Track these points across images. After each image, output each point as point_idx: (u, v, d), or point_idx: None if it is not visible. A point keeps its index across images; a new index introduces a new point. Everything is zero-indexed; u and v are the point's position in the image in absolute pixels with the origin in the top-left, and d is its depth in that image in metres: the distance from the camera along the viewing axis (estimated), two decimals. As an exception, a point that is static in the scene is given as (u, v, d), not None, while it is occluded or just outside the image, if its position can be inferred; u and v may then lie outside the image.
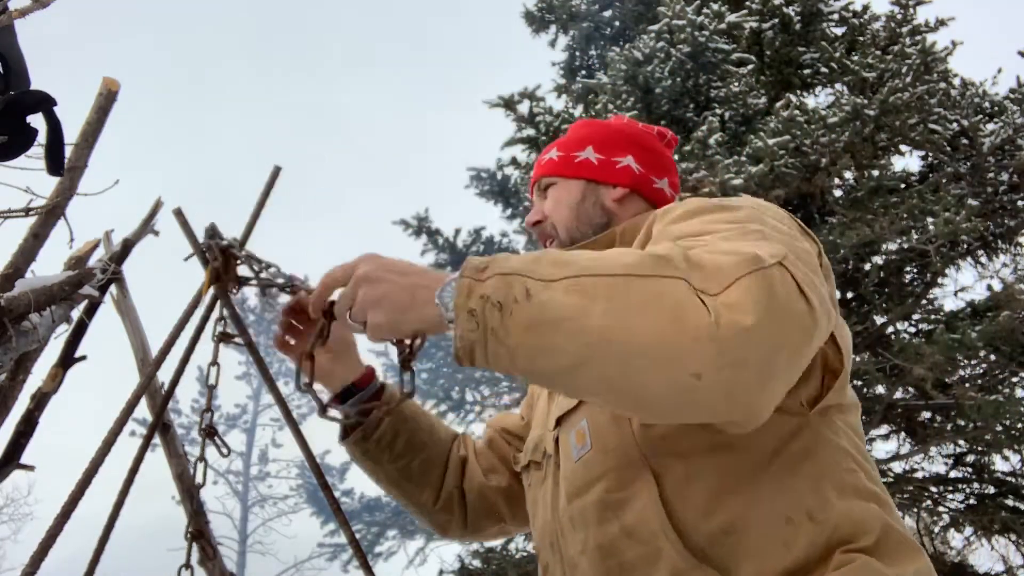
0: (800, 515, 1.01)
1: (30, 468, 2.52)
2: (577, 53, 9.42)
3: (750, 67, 6.70)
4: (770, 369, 0.87)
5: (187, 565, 1.41)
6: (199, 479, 1.47)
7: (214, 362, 1.52)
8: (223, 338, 1.52)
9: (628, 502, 1.09)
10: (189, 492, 2.88)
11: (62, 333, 2.56)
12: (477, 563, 7.68)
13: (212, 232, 1.50)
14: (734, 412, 0.90)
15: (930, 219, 5.73)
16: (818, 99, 7.21)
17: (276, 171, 1.61)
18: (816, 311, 0.90)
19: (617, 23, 9.01)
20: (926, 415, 6.55)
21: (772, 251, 0.91)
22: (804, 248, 1.04)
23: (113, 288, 3.12)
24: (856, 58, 6.50)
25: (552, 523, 1.24)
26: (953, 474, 6.82)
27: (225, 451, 1.51)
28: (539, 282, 0.88)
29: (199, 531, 1.47)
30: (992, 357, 6.04)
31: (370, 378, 1.50)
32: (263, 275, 1.42)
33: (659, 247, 0.93)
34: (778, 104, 6.22)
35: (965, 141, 6.33)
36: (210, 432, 1.49)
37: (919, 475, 6.95)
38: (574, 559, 1.17)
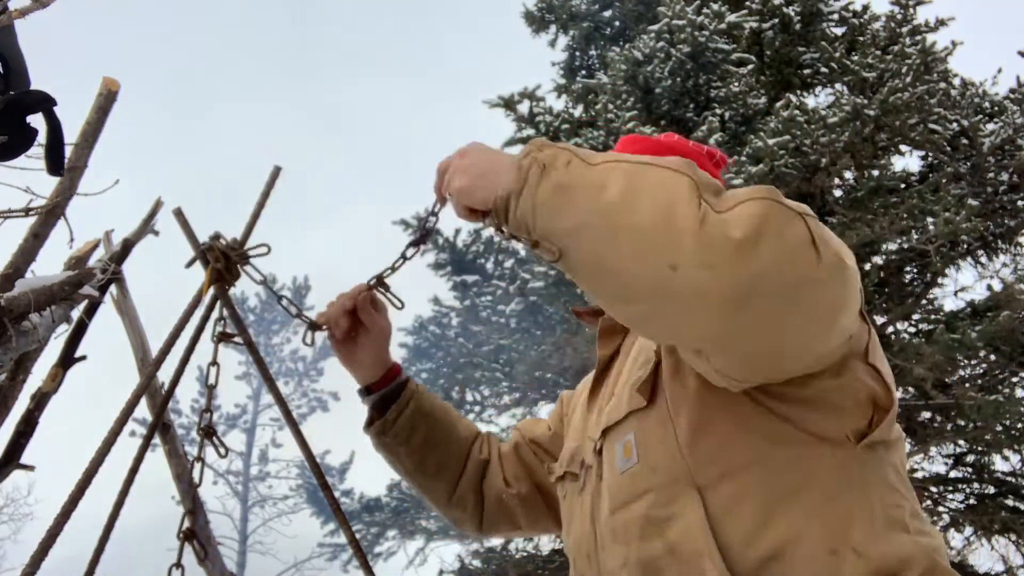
0: (845, 548, 1.01)
1: (30, 468, 2.52)
2: (577, 53, 9.42)
3: (750, 67, 6.70)
4: (748, 289, 0.89)
5: (178, 564, 1.41)
6: (196, 479, 1.47)
7: (214, 362, 1.52)
8: (223, 338, 1.52)
9: (673, 520, 1.09)
10: (188, 492, 2.88)
11: (62, 333, 2.56)
12: (477, 563, 7.68)
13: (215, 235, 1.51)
14: (694, 313, 0.93)
15: (930, 219, 5.73)
16: (818, 99, 7.22)
17: (276, 171, 1.61)
18: (825, 265, 0.91)
19: (617, 23, 9.01)
20: (926, 415, 6.55)
21: (801, 207, 0.95)
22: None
23: (113, 288, 3.12)
24: (856, 58, 6.50)
25: (590, 534, 1.24)
26: (953, 474, 6.82)
27: (223, 452, 1.51)
28: (583, 161, 1.02)
29: (191, 531, 1.47)
30: (992, 357, 6.04)
31: (393, 376, 1.56)
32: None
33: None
34: (778, 104, 6.22)
35: (965, 141, 6.33)
36: (209, 432, 1.49)
37: (919, 475, 6.95)
38: (613, 572, 1.17)
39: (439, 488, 1.57)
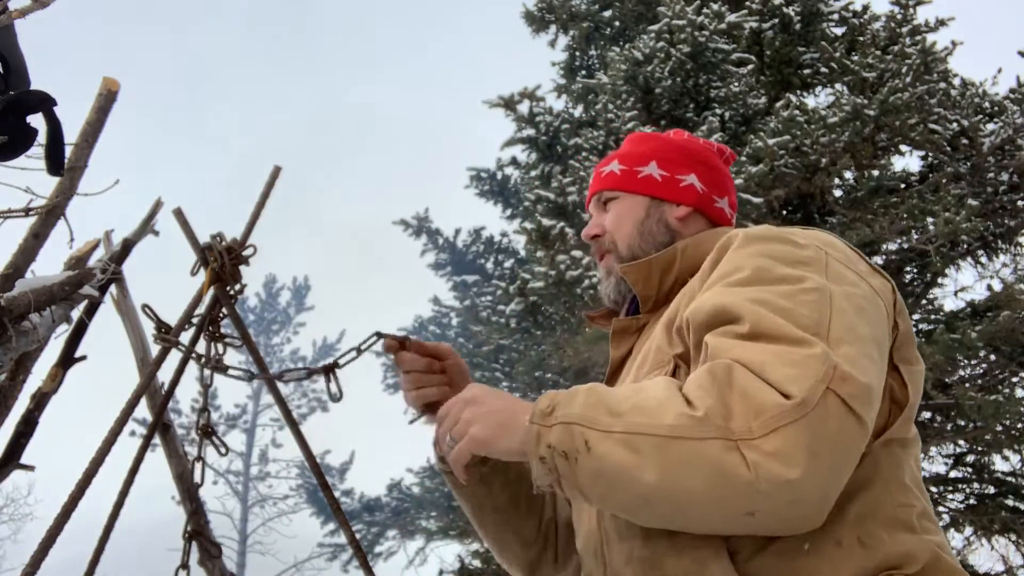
0: (851, 539, 1.03)
1: (30, 468, 2.52)
2: (577, 53, 9.42)
3: (750, 67, 6.70)
4: (825, 493, 0.95)
5: (184, 565, 1.41)
6: (197, 478, 1.47)
7: (207, 360, 1.52)
8: (214, 338, 1.52)
9: None
10: (189, 492, 2.88)
11: (62, 333, 2.56)
12: (477, 563, 7.68)
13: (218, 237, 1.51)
14: (795, 529, 1.00)
15: (930, 219, 5.73)
16: (818, 99, 7.21)
17: (276, 171, 1.61)
18: (866, 422, 0.95)
19: (617, 23, 9.01)
20: (926, 415, 6.55)
21: (820, 370, 0.94)
22: (862, 295, 1.08)
23: (113, 288, 3.12)
24: (856, 58, 6.50)
25: (597, 532, 1.24)
26: (953, 474, 6.82)
27: (224, 451, 1.51)
28: (596, 432, 0.98)
29: (197, 531, 1.47)
30: (992, 357, 6.04)
31: None
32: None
33: (697, 392, 0.97)
34: (778, 104, 6.22)
35: (965, 141, 6.33)
36: (207, 431, 1.49)
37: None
38: (618, 570, 1.17)
39: (529, 523, 1.48)
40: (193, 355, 1.47)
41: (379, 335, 1.37)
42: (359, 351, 1.40)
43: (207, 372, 1.51)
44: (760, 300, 1.04)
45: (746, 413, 0.93)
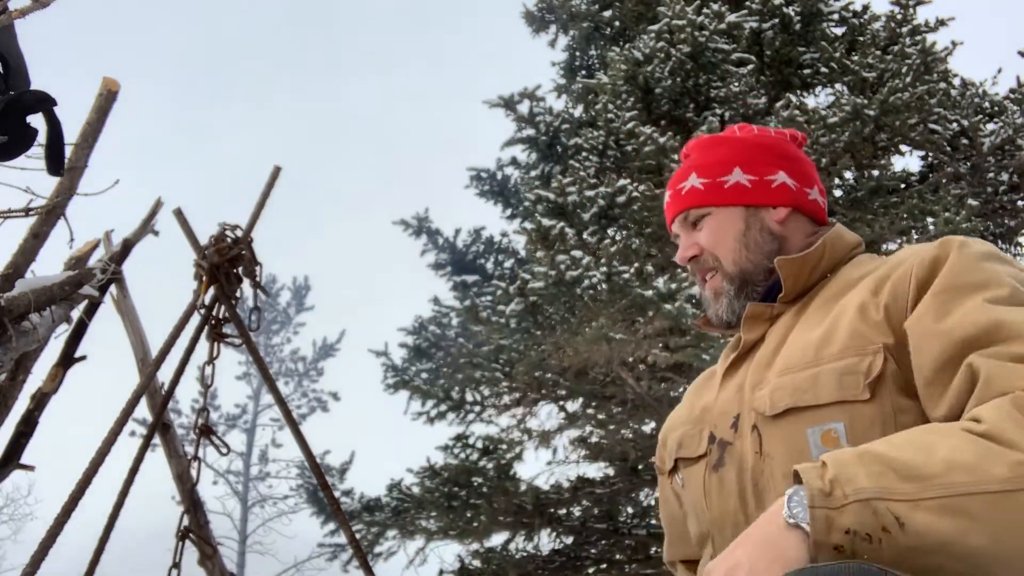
0: None
1: (30, 468, 2.52)
2: (577, 53, 9.42)
3: (750, 67, 6.71)
4: None
5: (175, 565, 1.41)
6: (193, 476, 1.47)
7: (209, 361, 1.52)
8: (217, 337, 1.52)
9: None
10: (189, 492, 2.88)
11: (62, 333, 2.56)
12: (477, 563, 7.69)
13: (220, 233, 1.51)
14: None
15: (930, 219, 5.74)
16: (818, 99, 7.22)
17: (276, 171, 1.61)
18: None
19: (617, 23, 9.01)
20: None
21: None
22: None
23: (113, 288, 3.12)
24: (856, 58, 6.50)
25: (739, 512, 1.19)
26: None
27: (224, 450, 1.51)
28: (905, 504, 0.86)
29: (189, 529, 1.47)
30: (992, 357, 6.03)
31: None
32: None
33: (1015, 431, 0.91)
34: (778, 104, 6.22)
35: (965, 141, 6.33)
36: (206, 431, 1.49)
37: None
38: None
39: None
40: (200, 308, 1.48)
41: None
42: None
43: (208, 372, 1.51)
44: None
45: None
